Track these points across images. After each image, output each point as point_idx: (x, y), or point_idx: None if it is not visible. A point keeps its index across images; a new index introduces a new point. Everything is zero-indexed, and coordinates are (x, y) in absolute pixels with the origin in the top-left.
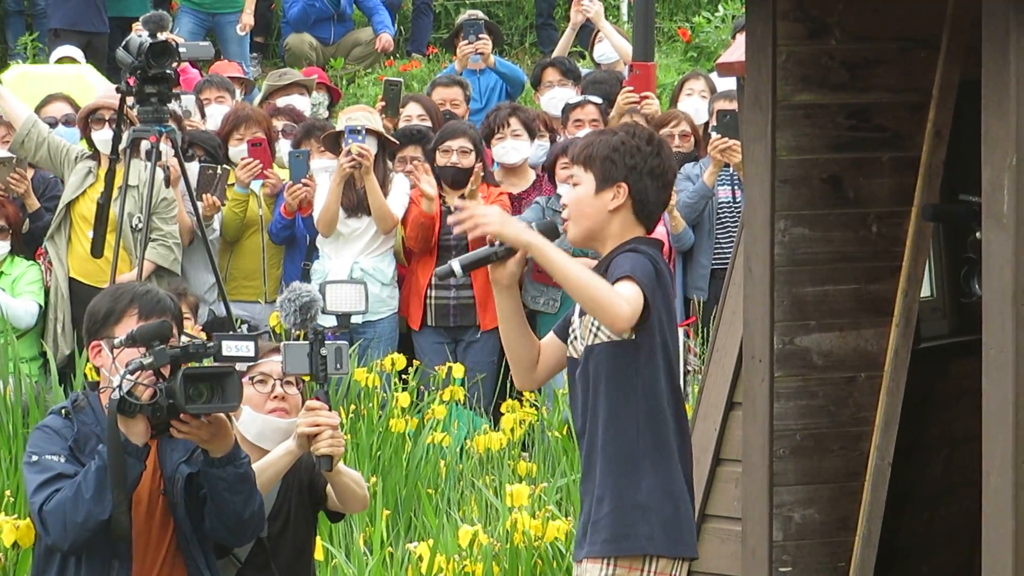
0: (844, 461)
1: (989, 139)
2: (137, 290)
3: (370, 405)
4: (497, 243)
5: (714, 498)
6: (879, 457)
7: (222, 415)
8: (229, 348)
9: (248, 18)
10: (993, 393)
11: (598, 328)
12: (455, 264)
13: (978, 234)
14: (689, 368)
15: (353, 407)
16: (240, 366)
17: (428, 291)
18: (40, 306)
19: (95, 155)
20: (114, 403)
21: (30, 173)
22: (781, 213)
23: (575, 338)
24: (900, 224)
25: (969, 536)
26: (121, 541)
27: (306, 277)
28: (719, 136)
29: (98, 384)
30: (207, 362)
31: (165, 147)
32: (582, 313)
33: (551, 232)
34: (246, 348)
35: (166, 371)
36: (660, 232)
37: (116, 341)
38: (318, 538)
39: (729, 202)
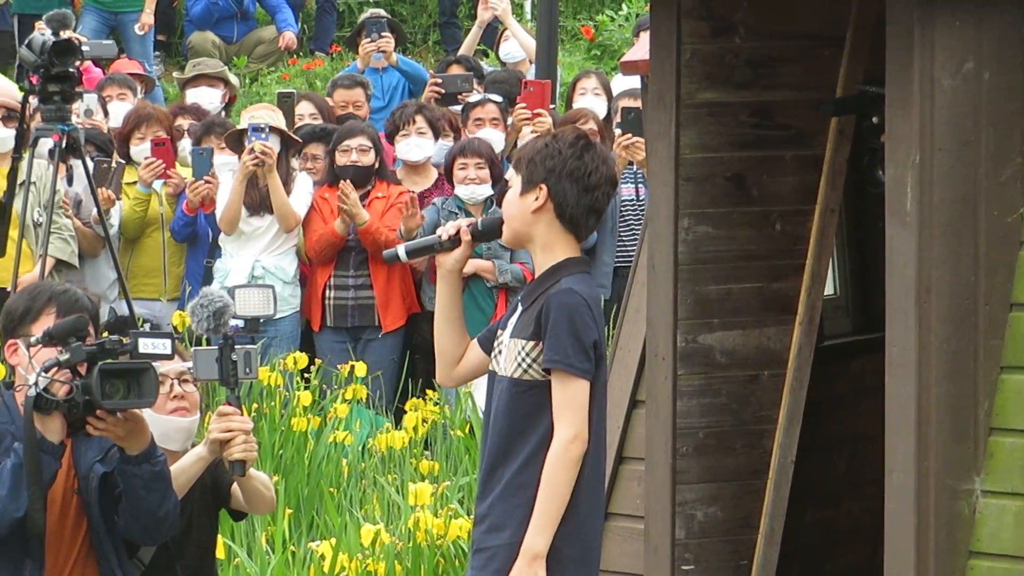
0: (747, 459)
1: (892, 137)
2: (55, 289)
3: (272, 404)
4: (443, 234)
5: (617, 496)
6: (782, 455)
7: (139, 412)
8: (146, 345)
9: (147, 17)
10: (896, 391)
11: (530, 365)
12: (400, 250)
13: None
14: None
15: (255, 406)
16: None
17: (326, 291)
18: None
19: None
20: (30, 400)
21: None
22: (685, 211)
23: (499, 352)
24: (804, 222)
25: (871, 534)
26: (35, 539)
27: (208, 275)
28: (623, 133)
29: (13, 383)
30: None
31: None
32: (513, 335)
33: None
34: (162, 345)
35: (83, 368)
36: None
37: (33, 339)
38: (220, 536)
39: (632, 200)
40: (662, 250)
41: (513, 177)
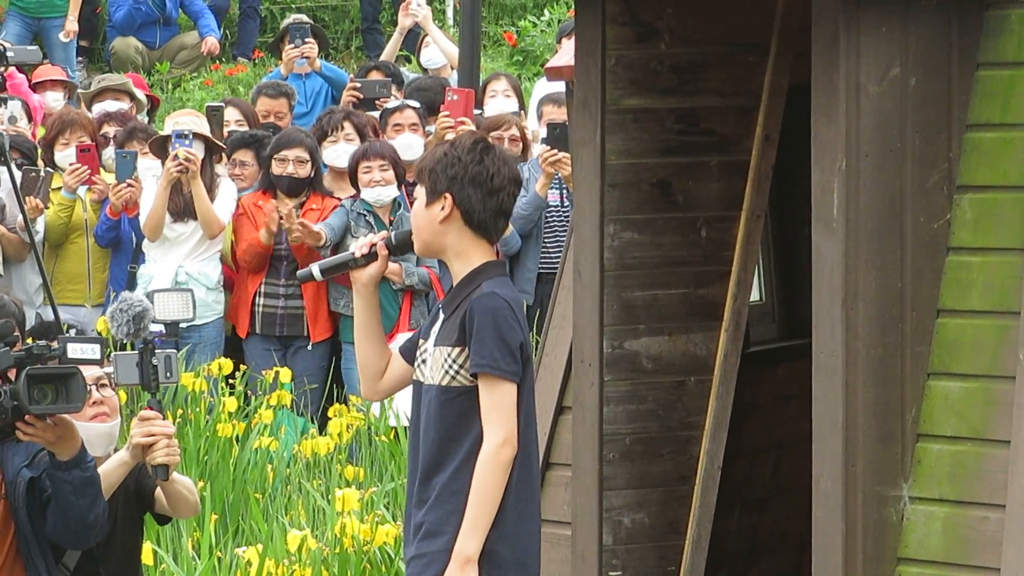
0: (674, 465)
1: (818, 143)
2: None
3: (197, 410)
4: (357, 252)
5: (544, 503)
6: (709, 461)
7: (68, 418)
8: (75, 350)
9: (72, 24)
10: (822, 397)
11: (457, 371)
12: (315, 268)
13: None
14: None
15: (180, 411)
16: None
17: (256, 299)
18: None
19: None
20: None
21: None
22: (610, 217)
23: (423, 362)
24: (729, 228)
25: (797, 539)
26: None
27: (132, 281)
28: (549, 148)
29: None
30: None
31: None
32: (438, 343)
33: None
34: (91, 350)
35: (12, 374)
36: None
37: None
38: (147, 542)
39: (557, 206)
40: (588, 256)
41: (417, 189)
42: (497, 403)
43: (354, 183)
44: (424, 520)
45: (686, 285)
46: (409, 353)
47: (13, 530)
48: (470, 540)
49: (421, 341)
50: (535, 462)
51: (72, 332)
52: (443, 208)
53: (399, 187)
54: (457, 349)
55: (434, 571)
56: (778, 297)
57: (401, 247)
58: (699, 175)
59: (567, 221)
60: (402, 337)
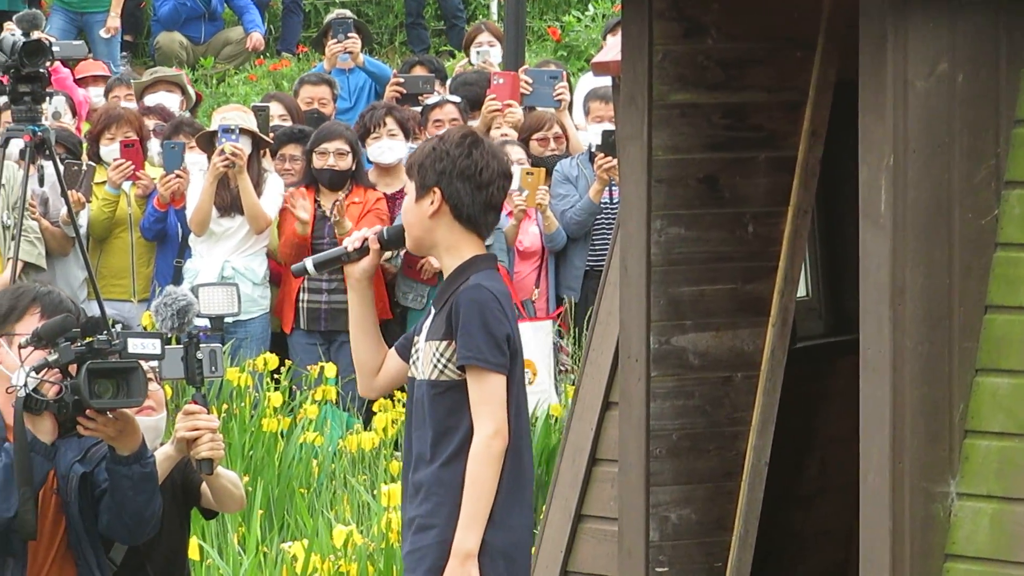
0: (720, 461)
1: (866, 139)
2: (39, 289)
3: (242, 405)
4: (349, 246)
5: (590, 498)
6: (755, 457)
7: (129, 413)
8: (135, 345)
9: (113, 21)
10: (870, 394)
11: (445, 365)
12: (308, 263)
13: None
14: (561, 367)
15: (225, 407)
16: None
17: (300, 294)
18: None
19: None
20: (20, 401)
21: None
22: (657, 213)
23: (417, 359)
24: (776, 224)
25: (843, 536)
26: (27, 539)
27: (178, 275)
28: (604, 156)
29: None
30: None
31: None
32: (428, 338)
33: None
34: (152, 345)
35: (74, 369)
36: (533, 232)
37: (23, 340)
38: (193, 538)
39: (605, 203)
40: (634, 252)
41: (408, 184)
42: (486, 395)
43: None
44: (416, 514)
45: (733, 281)
46: (404, 350)
47: (64, 525)
48: (468, 535)
49: (416, 337)
50: (526, 454)
51: (117, 328)
52: (432, 203)
53: None
54: (444, 343)
55: (427, 565)
56: (825, 293)
57: (393, 242)
58: (746, 171)
59: (614, 217)
60: None
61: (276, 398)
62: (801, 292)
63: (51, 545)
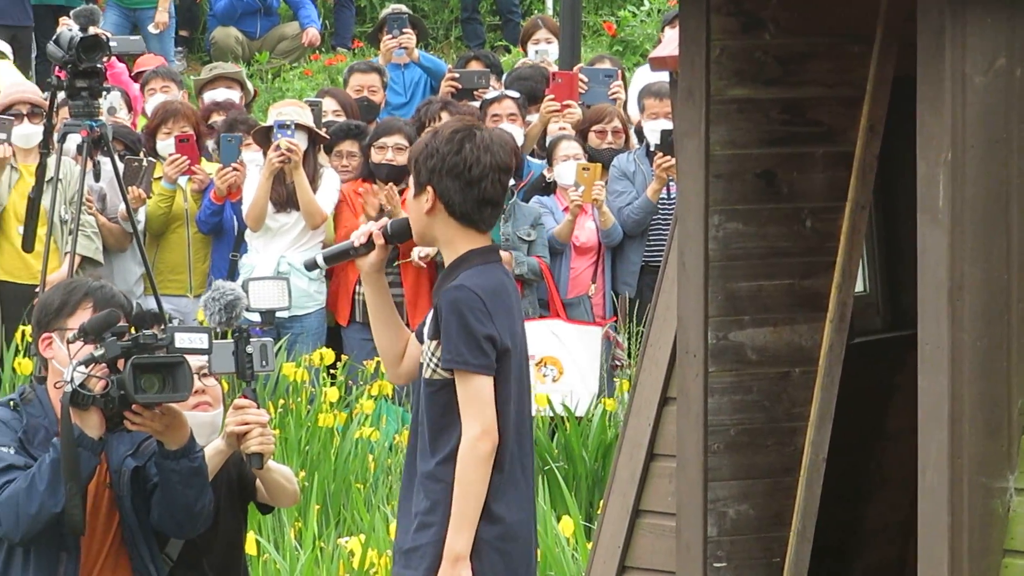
0: (778, 456)
1: (924, 134)
2: (91, 284)
3: (298, 400)
4: (356, 240)
5: (648, 493)
6: (813, 452)
7: (176, 407)
8: (182, 340)
9: (162, 16)
10: (928, 389)
11: (437, 364)
12: (319, 256)
13: None
14: (617, 363)
15: (281, 402)
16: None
17: (357, 287)
18: None
19: None
20: (67, 396)
21: None
22: (715, 208)
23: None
24: (834, 219)
25: (901, 531)
26: (74, 533)
27: (234, 270)
28: (663, 155)
29: (45, 377)
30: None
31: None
32: (431, 336)
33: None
34: (199, 340)
35: (121, 364)
36: (589, 228)
37: (70, 335)
38: (250, 532)
39: (663, 199)
40: (692, 248)
41: (411, 179)
42: (471, 397)
43: None
44: (416, 511)
45: (791, 276)
46: (420, 336)
47: (118, 519)
48: (458, 536)
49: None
50: (526, 444)
51: (175, 323)
52: (427, 200)
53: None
54: (435, 343)
55: (427, 564)
56: (882, 288)
57: (397, 235)
58: (804, 166)
59: (670, 213)
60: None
61: (332, 393)
62: (859, 288)
63: (105, 539)
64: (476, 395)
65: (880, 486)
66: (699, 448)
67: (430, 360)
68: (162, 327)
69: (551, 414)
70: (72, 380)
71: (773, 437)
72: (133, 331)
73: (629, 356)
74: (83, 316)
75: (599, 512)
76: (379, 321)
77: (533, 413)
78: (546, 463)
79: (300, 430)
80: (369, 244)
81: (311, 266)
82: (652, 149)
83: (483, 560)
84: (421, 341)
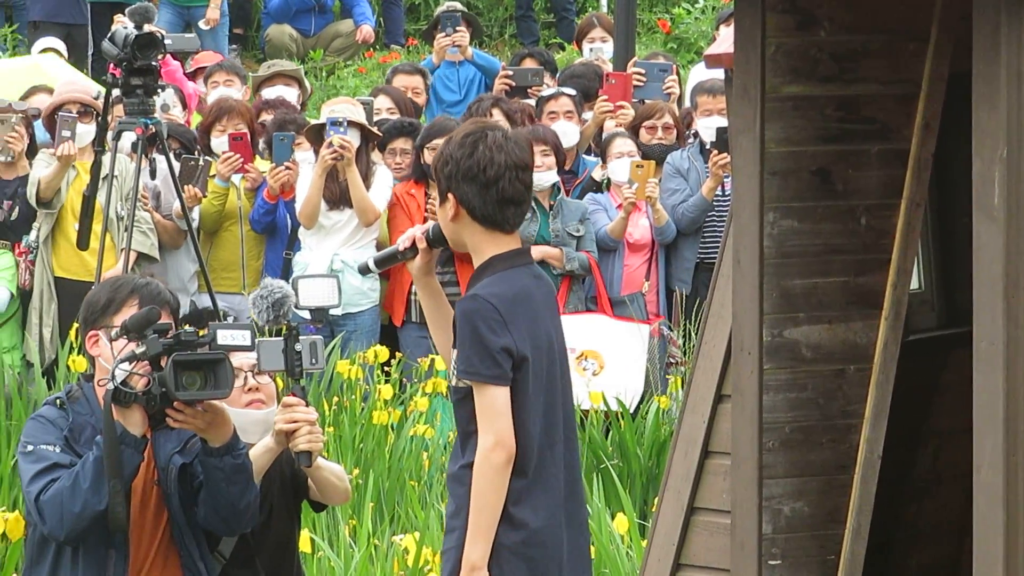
0: (833, 454)
1: (979, 131)
2: (137, 281)
3: (353, 397)
4: (401, 245)
5: (703, 491)
6: (869, 450)
7: (219, 404)
8: (224, 336)
9: (213, 12)
10: (984, 386)
11: (457, 373)
12: (370, 261)
13: None
14: (672, 360)
15: (336, 399)
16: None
17: (412, 288)
18: (12, 293)
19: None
20: (109, 394)
21: None
22: (770, 205)
23: None
24: (889, 217)
25: (956, 529)
26: (117, 531)
27: (287, 268)
28: (717, 152)
29: (92, 375)
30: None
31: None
32: (452, 345)
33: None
34: (241, 337)
35: (164, 361)
36: (643, 225)
37: (113, 333)
38: (305, 530)
39: (717, 196)
40: (747, 244)
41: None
42: (485, 408)
43: None
44: (446, 514)
45: (846, 273)
46: None
47: (166, 517)
48: (474, 547)
49: None
50: (557, 451)
51: (230, 319)
52: (450, 208)
53: (558, 172)
54: (456, 351)
55: (449, 568)
56: (937, 286)
57: (439, 240)
58: (859, 163)
59: (724, 210)
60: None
61: (387, 391)
62: (914, 285)
63: (153, 537)
64: (490, 405)
65: (936, 484)
66: (754, 445)
67: (454, 367)
68: (206, 324)
69: (604, 409)
70: (114, 378)
71: (828, 434)
72: (186, 327)
73: (684, 353)
74: (129, 313)
75: (653, 510)
76: (435, 323)
77: (587, 408)
78: (601, 461)
79: (354, 428)
80: (414, 248)
81: (364, 270)
82: (707, 147)
83: (504, 567)
84: None
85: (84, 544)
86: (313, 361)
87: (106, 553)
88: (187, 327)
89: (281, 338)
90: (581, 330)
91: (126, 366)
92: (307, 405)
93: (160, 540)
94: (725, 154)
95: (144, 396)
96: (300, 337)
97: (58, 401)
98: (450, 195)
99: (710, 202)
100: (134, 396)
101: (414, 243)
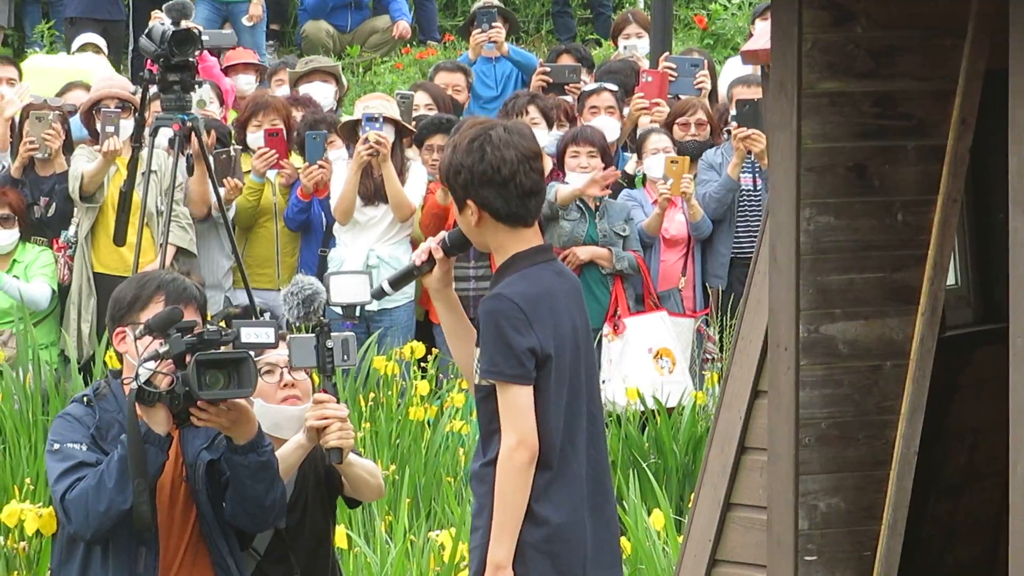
0: (869, 450)
1: (1016, 127)
2: (164, 277)
3: (389, 393)
4: (417, 260)
5: (739, 487)
6: (905, 446)
7: (243, 402)
8: (248, 334)
9: (256, 9)
10: (1020, 383)
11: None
12: (384, 283)
13: None
14: (708, 356)
15: (372, 395)
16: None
17: None
18: (53, 290)
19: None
20: (132, 393)
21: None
22: (806, 201)
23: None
24: (925, 213)
25: (993, 526)
26: (143, 530)
27: (323, 264)
28: (738, 126)
29: (120, 372)
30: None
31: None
32: (476, 343)
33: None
34: (266, 335)
35: (189, 360)
36: (679, 220)
37: (137, 331)
38: (341, 526)
39: (750, 190)
40: (784, 240)
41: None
42: (508, 407)
43: (561, 166)
44: (473, 513)
45: (882, 269)
46: None
47: (195, 513)
48: (498, 547)
49: None
50: (579, 446)
51: (266, 316)
52: (472, 214)
53: None
54: (479, 350)
55: (474, 568)
56: (974, 282)
57: (457, 246)
58: (895, 159)
59: (760, 205)
60: (632, 323)
61: (423, 387)
62: (950, 281)
63: (183, 534)
64: (513, 404)
65: (972, 480)
66: (790, 441)
67: (477, 366)
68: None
69: (642, 408)
70: (138, 377)
71: (864, 430)
72: (221, 324)
73: (720, 349)
74: (155, 310)
75: (690, 505)
76: (453, 336)
77: (623, 406)
78: (636, 457)
79: (391, 424)
80: (431, 261)
81: (379, 294)
82: (730, 122)
83: (528, 564)
84: None
85: (114, 541)
86: (345, 357)
87: (137, 550)
88: (222, 324)
89: (312, 335)
90: (651, 329)
91: (150, 365)
92: (338, 401)
93: (189, 536)
94: (744, 128)
95: (168, 395)
96: (332, 333)
97: (85, 399)
98: (469, 202)
99: (736, 181)
100: (158, 395)
101: (430, 255)
